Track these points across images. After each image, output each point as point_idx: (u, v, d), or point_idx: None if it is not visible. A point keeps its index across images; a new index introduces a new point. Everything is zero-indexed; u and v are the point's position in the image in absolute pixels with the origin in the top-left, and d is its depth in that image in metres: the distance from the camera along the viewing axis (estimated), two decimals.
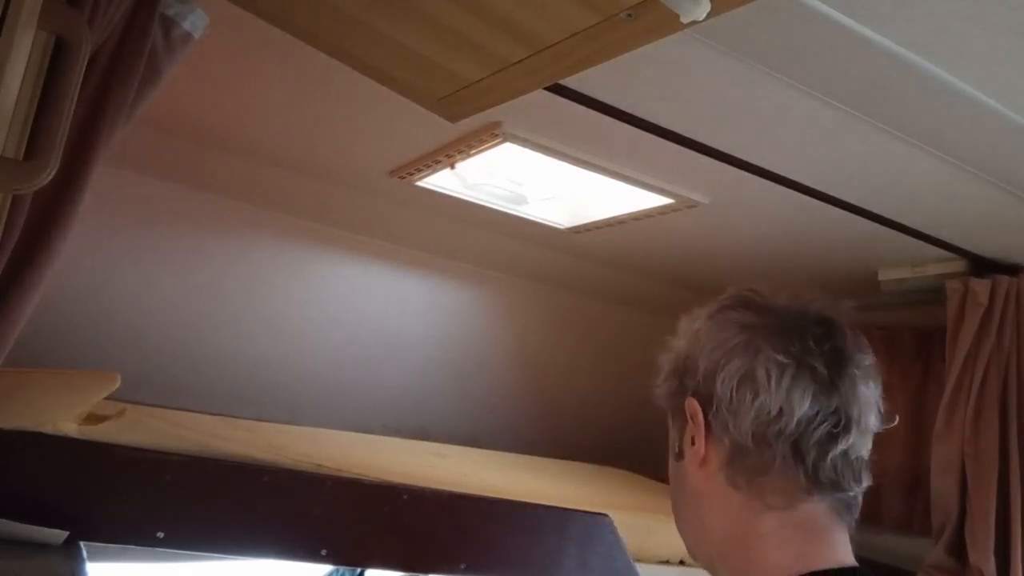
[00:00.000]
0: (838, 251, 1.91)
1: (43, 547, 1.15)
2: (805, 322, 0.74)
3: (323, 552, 1.40)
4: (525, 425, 2.71)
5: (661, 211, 1.78)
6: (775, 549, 0.70)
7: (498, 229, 2.14)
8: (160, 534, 1.26)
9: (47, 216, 0.89)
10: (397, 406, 2.46)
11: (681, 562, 1.78)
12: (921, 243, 1.71)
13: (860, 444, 0.73)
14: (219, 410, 2.03)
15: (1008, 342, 1.72)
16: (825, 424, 0.71)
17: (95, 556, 1.24)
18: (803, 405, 0.70)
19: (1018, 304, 1.73)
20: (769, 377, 0.71)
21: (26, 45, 0.77)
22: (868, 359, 0.75)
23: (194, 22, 1.01)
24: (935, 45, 0.99)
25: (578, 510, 1.70)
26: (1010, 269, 1.76)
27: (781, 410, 0.70)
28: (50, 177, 0.80)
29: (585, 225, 1.99)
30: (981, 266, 1.79)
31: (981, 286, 1.74)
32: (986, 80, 1.06)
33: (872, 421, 0.74)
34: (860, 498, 0.74)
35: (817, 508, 0.72)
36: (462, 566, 1.51)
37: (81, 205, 0.92)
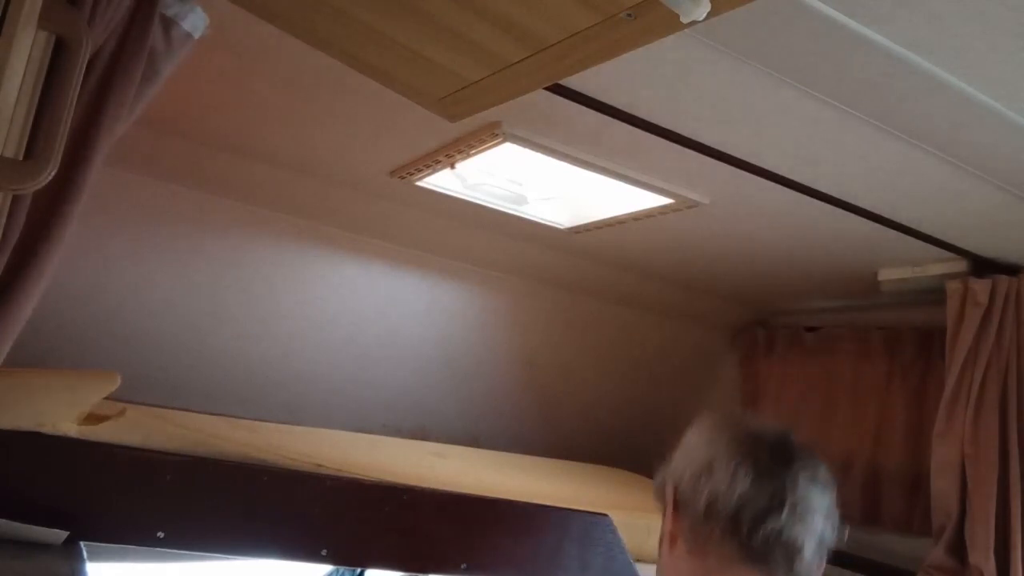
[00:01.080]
0: (838, 251, 1.91)
1: (43, 547, 1.15)
2: (764, 432, 0.92)
3: (323, 552, 1.40)
4: (525, 425, 2.71)
5: (661, 211, 1.78)
6: None
7: (498, 229, 2.13)
8: (160, 534, 1.26)
9: (47, 216, 0.89)
10: (397, 406, 2.46)
11: None
12: (921, 243, 1.71)
13: (797, 531, 0.84)
14: (219, 410, 2.03)
15: (1008, 342, 1.72)
16: (761, 502, 0.85)
17: (95, 556, 1.24)
18: (744, 484, 0.86)
19: (1018, 304, 1.73)
20: (721, 465, 0.88)
21: (26, 45, 0.77)
22: (821, 471, 0.91)
23: (194, 22, 1.01)
24: (935, 45, 0.99)
25: (578, 510, 1.70)
26: (1010, 269, 1.76)
27: (726, 489, 0.86)
28: (50, 177, 0.80)
29: (585, 225, 1.98)
30: (981, 266, 1.79)
31: (981, 286, 1.74)
32: (986, 80, 1.06)
33: (818, 522, 0.86)
34: None
35: None
36: (462, 566, 1.52)
37: (81, 205, 0.92)
